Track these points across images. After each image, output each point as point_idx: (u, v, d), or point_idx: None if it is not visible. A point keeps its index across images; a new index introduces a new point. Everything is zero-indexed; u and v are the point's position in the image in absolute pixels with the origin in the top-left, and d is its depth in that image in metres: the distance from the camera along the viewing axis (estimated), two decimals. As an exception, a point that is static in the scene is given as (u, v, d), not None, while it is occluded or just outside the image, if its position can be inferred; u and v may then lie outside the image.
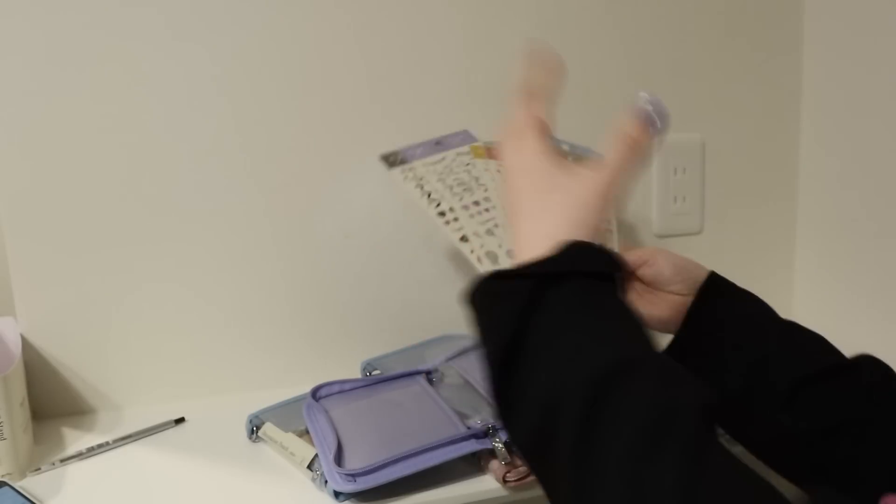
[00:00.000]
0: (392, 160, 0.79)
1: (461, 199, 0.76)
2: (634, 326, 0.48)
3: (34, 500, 0.65)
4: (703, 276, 0.70)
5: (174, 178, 0.82)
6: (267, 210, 0.85)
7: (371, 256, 0.89)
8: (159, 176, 0.82)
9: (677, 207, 1.00)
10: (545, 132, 0.60)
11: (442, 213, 0.74)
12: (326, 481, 0.64)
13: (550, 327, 0.46)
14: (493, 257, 0.69)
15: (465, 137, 0.84)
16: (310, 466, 0.67)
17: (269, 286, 0.87)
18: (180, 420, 0.81)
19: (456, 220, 0.72)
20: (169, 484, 0.69)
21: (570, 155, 0.84)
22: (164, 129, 0.81)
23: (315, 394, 0.76)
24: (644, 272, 0.72)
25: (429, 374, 0.80)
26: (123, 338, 0.83)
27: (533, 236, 0.53)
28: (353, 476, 0.62)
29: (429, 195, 0.76)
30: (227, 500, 0.66)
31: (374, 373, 0.84)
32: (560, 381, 0.44)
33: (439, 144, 0.82)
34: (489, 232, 0.76)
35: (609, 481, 0.40)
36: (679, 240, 1.01)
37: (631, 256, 0.73)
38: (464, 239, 0.71)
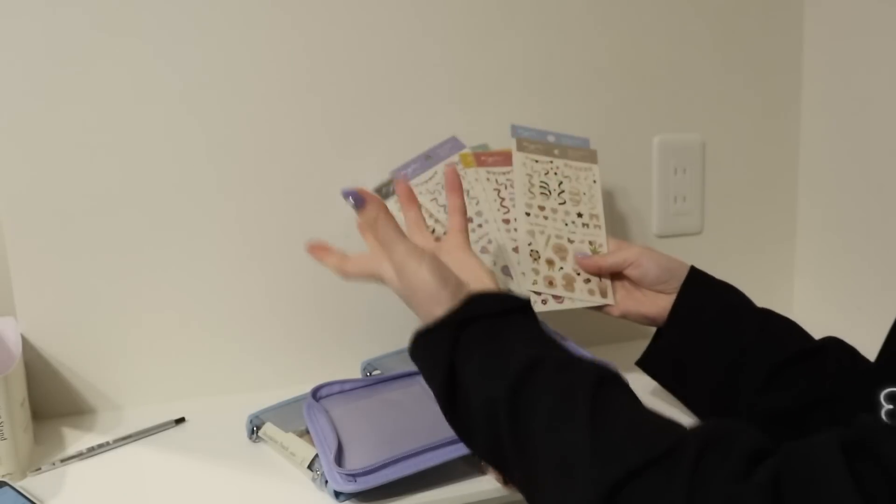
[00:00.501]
0: (385, 192, 0.82)
1: None
2: (534, 338, 0.58)
3: (34, 500, 0.65)
4: (685, 273, 0.75)
5: (174, 179, 0.82)
6: (267, 210, 0.85)
7: (371, 256, 0.89)
8: (159, 176, 0.82)
9: (677, 207, 1.00)
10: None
11: (437, 240, 0.74)
12: (327, 481, 0.64)
13: (468, 362, 0.56)
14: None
15: (453, 146, 0.85)
16: (310, 466, 0.67)
17: (269, 286, 0.87)
18: (180, 420, 0.81)
19: None
20: (169, 484, 0.69)
21: (556, 147, 0.86)
22: (164, 129, 0.81)
23: (315, 394, 0.76)
24: (631, 273, 0.77)
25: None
26: (123, 338, 0.83)
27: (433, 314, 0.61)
28: (354, 476, 0.62)
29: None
30: (227, 500, 0.66)
31: (374, 373, 0.84)
32: (488, 397, 0.54)
33: (430, 158, 0.84)
34: (483, 250, 0.79)
35: (540, 454, 0.50)
36: (679, 240, 1.01)
37: (618, 257, 0.78)
38: None
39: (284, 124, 0.85)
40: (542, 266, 0.78)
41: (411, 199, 0.71)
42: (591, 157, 0.87)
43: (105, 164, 0.80)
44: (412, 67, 0.88)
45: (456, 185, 0.70)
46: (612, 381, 0.53)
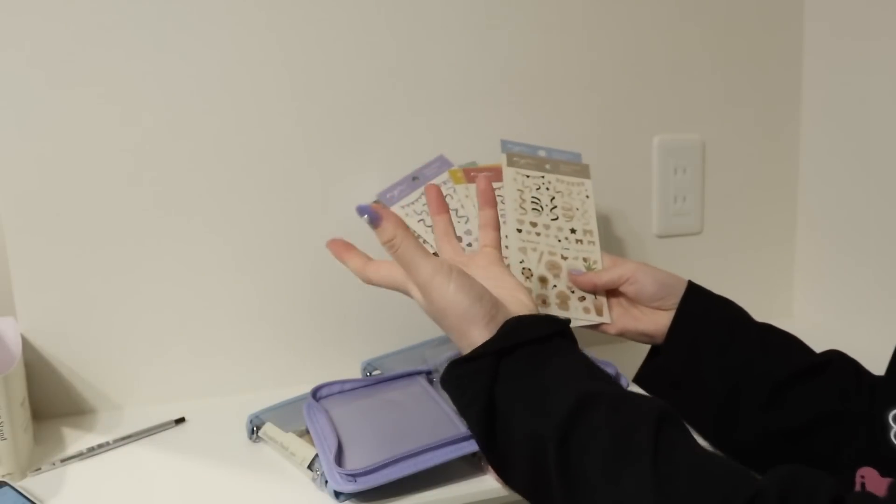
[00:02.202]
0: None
1: None
2: (581, 369, 0.55)
3: (34, 500, 0.65)
4: (682, 289, 0.73)
5: (174, 179, 0.82)
6: (267, 210, 0.85)
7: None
8: (160, 176, 0.82)
9: (677, 207, 1.00)
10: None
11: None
12: (327, 481, 0.64)
13: (511, 394, 0.54)
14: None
15: (441, 164, 0.84)
16: (310, 466, 0.67)
17: (269, 286, 0.87)
18: (180, 420, 0.81)
19: None
20: (169, 484, 0.69)
21: (547, 162, 0.84)
22: (164, 129, 0.81)
23: (315, 394, 0.76)
24: (627, 289, 0.75)
25: (429, 374, 0.80)
26: (123, 338, 0.83)
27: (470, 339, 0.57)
28: (354, 476, 0.62)
29: None
30: (227, 500, 0.66)
31: (375, 373, 0.84)
32: (534, 433, 0.52)
33: (417, 179, 0.82)
34: None
35: (597, 499, 0.48)
36: (679, 240, 1.01)
37: (614, 274, 0.75)
38: None
39: (283, 125, 0.85)
40: (535, 284, 0.76)
41: (441, 205, 0.66)
42: (583, 171, 0.85)
43: (105, 165, 0.80)
44: (411, 67, 0.88)
45: (490, 198, 0.67)
46: (671, 422, 0.50)
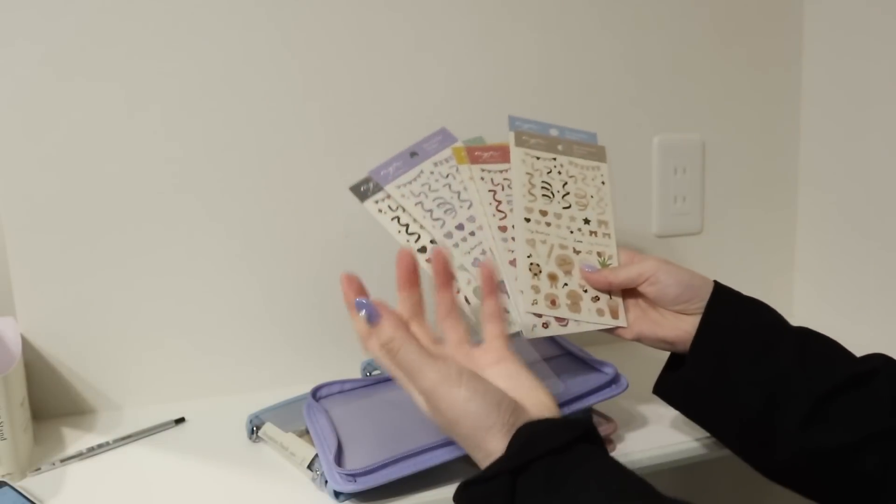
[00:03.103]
0: (364, 190, 0.73)
1: (443, 226, 0.70)
2: (606, 483, 0.49)
3: (34, 500, 0.65)
4: (708, 291, 0.66)
5: (174, 180, 0.82)
6: (267, 210, 0.85)
7: (371, 256, 0.89)
8: (159, 176, 0.82)
9: (677, 207, 1.00)
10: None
11: (423, 249, 0.68)
12: (326, 481, 0.64)
13: None
14: (480, 294, 0.64)
15: (443, 139, 0.76)
16: (310, 466, 0.67)
17: (269, 286, 0.87)
18: (180, 420, 0.81)
19: None
20: (169, 484, 0.69)
21: (560, 142, 0.77)
22: (166, 129, 0.81)
23: (315, 394, 0.76)
24: (647, 290, 0.67)
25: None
26: (123, 338, 0.83)
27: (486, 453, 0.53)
28: (354, 476, 0.62)
29: (406, 228, 0.70)
30: (227, 500, 0.66)
31: (375, 373, 0.84)
32: None
33: (415, 155, 0.75)
34: (476, 262, 0.69)
35: None
36: (679, 240, 1.01)
37: (632, 272, 0.68)
38: None
39: (284, 122, 0.85)
40: (544, 282, 0.68)
41: (447, 279, 0.60)
42: (599, 154, 0.77)
43: (105, 165, 0.80)
44: (411, 67, 0.88)
45: (491, 287, 0.61)
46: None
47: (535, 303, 0.67)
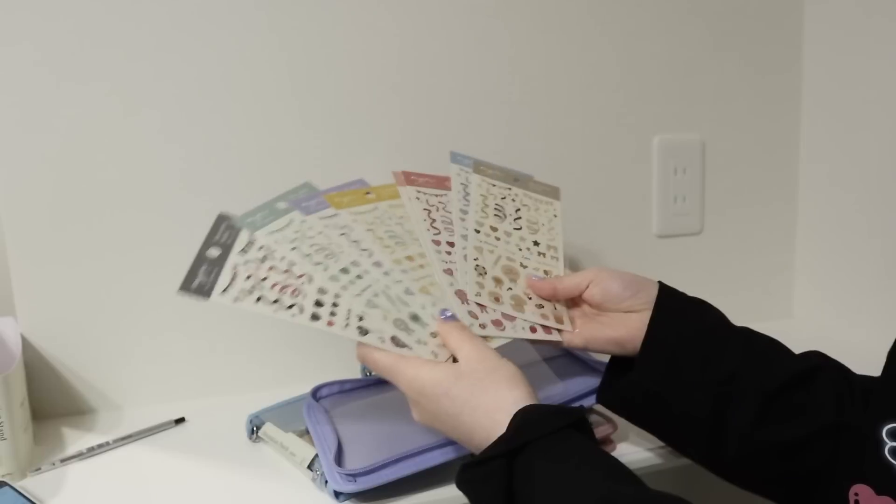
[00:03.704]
0: (199, 286, 0.63)
1: (326, 270, 0.64)
2: (600, 466, 0.52)
3: (34, 500, 0.65)
4: (654, 290, 0.66)
5: (174, 180, 0.82)
6: (267, 210, 0.85)
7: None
8: (159, 176, 0.82)
9: (677, 207, 1.00)
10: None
11: (315, 317, 0.61)
12: (327, 481, 0.64)
13: (529, 493, 0.51)
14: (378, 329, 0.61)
15: (317, 202, 0.72)
16: (310, 466, 0.67)
17: (269, 286, 0.87)
18: (180, 420, 0.81)
19: (334, 306, 0.62)
20: (169, 484, 0.69)
21: (516, 176, 0.79)
22: (166, 129, 0.81)
23: (315, 394, 0.76)
24: (592, 292, 0.68)
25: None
26: (123, 338, 0.83)
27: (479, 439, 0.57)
28: (354, 476, 0.62)
29: (276, 302, 0.62)
30: (227, 500, 0.66)
31: (374, 373, 0.84)
32: None
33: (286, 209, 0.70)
34: (370, 304, 0.63)
35: None
36: (679, 240, 1.01)
37: (576, 278, 0.69)
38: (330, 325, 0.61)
39: (285, 125, 0.85)
40: (489, 282, 0.68)
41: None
42: (553, 192, 0.80)
43: (105, 165, 0.80)
44: (413, 68, 0.88)
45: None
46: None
47: (478, 294, 0.66)
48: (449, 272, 0.67)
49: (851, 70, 0.96)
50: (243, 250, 0.66)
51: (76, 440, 0.77)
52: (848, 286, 0.99)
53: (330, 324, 0.61)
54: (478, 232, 0.72)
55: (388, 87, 0.87)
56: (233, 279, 0.64)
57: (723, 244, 1.04)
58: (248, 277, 0.64)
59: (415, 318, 0.63)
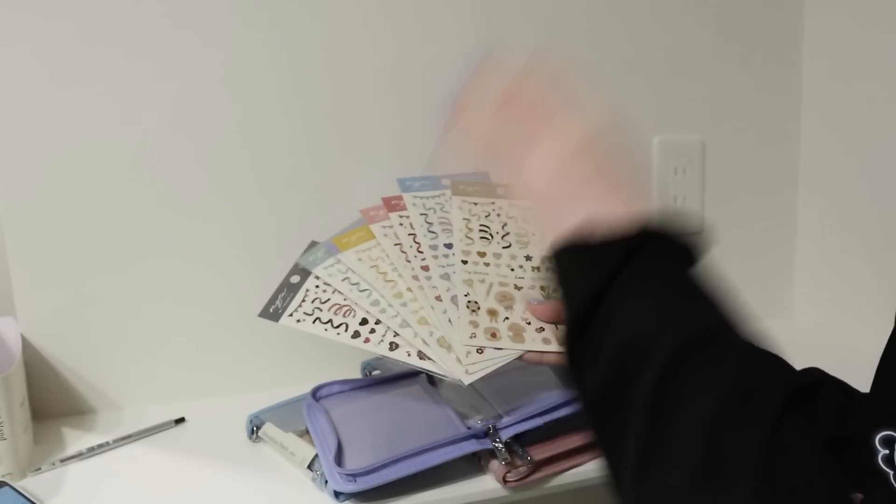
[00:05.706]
0: (274, 311, 0.73)
1: (370, 295, 0.71)
2: (720, 302, 0.49)
3: (34, 500, 0.65)
4: None
5: (175, 179, 0.82)
6: (267, 209, 0.85)
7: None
8: (160, 176, 0.82)
9: (677, 207, 1.00)
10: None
11: (356, 335, 0.69)
12: (326, 481, 0.64)
13: (636, 285, 0.48)
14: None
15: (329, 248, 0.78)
16: (310, 466, 0.67)
17: (269, 286, 0.87)
18: (180, 420, 0.81)
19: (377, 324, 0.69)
20: (169, 484, 0.69)
21: (500, 186, 0.78)
22: (165, 128, 0.81)
23: (315, 394, 0.76)
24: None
25: (429, 375, 0.80)
26: (123, 338, 0.83)
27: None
28: (354, 476, 0.62)
29: (330, 323, 0.70)
30: (227, 500, 0.66)
31: (374, 373, 0.84)
32: (645, 334, 0.45)
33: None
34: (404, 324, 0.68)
35: (689, 438, 0.40)
36: (679, 240, 1.01)
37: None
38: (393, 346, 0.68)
39: (284, 124, 0.85)
40: (483, 318, 0.67)
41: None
42: None
43: (105, 165, 0.80)
44: (412, 68, 0.87)
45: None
46: (800, 412, 0.44)
47: (473, 336, 0.65)
48: (439, 298, 0.69)
49: (851, 70, 0.96)
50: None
51: (76, 440, 0.77)
52: (848, 286, 0.99)
53: (367, 341, 0.68)
54: (465, 263, 0.71)
55: (388, 87, 0.87)
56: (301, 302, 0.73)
57: (723, 244, 1.04)
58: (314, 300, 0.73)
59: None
